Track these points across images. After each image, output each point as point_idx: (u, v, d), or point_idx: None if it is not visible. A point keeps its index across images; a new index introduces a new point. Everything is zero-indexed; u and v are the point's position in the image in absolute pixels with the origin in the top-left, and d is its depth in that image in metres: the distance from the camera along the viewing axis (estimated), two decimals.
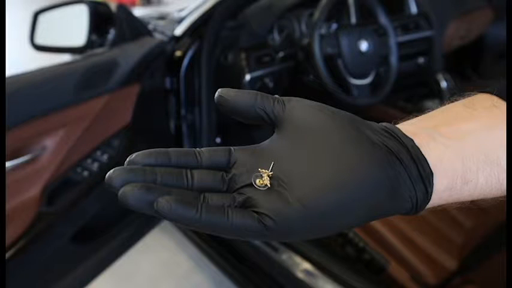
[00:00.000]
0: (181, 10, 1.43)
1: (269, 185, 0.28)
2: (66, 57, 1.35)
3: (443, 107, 0.33)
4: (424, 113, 0.33)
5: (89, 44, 1.15)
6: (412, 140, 0.29)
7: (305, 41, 1.28)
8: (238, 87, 0.34)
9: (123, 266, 1.40)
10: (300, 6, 1.41)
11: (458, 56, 1.76)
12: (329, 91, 1.22)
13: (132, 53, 1.13)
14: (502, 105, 0.31)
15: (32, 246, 0.98)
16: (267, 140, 0.32)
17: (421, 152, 0.29)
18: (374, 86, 1.30)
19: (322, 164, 0.28)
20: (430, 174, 0.29)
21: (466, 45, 1.72)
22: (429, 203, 0.30)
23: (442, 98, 1.48)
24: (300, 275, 1.13)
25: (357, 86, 1.27)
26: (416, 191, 0.28)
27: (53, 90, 0.98)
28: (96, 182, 1.05)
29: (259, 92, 0.32)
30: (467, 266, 1.10)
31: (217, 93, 0.32)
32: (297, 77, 1.34)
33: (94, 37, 1.18)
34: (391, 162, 0.28)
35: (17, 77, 0.96)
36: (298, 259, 1.15)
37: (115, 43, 1.16)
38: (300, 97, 0.32)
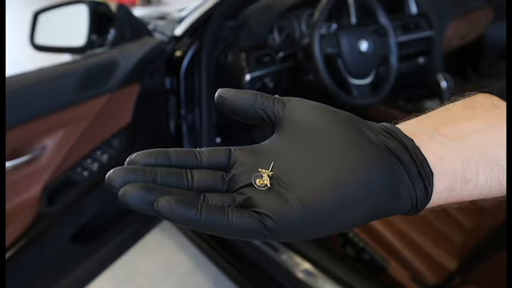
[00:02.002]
0: (181, 10, 1.43)
1: (269, 185, 0.28)
2: (66, 57, 1.35)
3: (443, 107, 0.33)
4: (424, 113, 0.33)
5: (89, 44, 1.15)
6: (412, 140, 0.29)
7: (305, 41, 1.28)
8: (238, 87, 0.34)
9: (123, 266, 1.40)
10: (300, 6, 1.41)
11: (458, 56, 1.76)
12: (329, 91, 1.22)
13: (132, 53, 1.13)
14: (502, 105, 0.31)
15: (32, 246, 0.98)
16: (267, 140, 0.32)
17: (421, 152, 0.29)
18: (374, 86, 1.30)
19: (322, 164, 0.28)
20: (430, 174, 0.29)
21: (466, 45, 1.72)
22: (429, 203, 0.30)
23: (442, 98, 1.48)
24: (300, 275, 1.13)
25: (357, 86, 1.27)
26: (416, 191, 0.28)
27: (53, 90, 0.98)
28: (96, 182, 1.05)
29: (259, 92, 0.32)
30: (467, 266, 1.10)
31: (217, 93, 0.31)
32: (297, 77, 1.34)
33: (94, 37, 1.18)
34: (391, 162, 0.28)
35: (17, 77, 0.96)
36: (298, 259, 1.15)
37: (115, 43, 1.16)
38: (300, 97, 0.32)
